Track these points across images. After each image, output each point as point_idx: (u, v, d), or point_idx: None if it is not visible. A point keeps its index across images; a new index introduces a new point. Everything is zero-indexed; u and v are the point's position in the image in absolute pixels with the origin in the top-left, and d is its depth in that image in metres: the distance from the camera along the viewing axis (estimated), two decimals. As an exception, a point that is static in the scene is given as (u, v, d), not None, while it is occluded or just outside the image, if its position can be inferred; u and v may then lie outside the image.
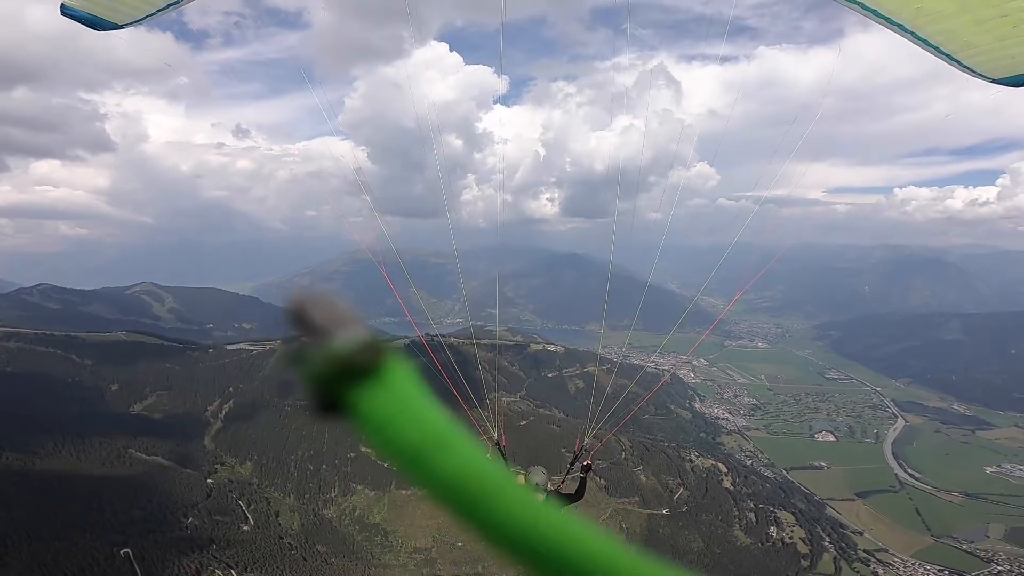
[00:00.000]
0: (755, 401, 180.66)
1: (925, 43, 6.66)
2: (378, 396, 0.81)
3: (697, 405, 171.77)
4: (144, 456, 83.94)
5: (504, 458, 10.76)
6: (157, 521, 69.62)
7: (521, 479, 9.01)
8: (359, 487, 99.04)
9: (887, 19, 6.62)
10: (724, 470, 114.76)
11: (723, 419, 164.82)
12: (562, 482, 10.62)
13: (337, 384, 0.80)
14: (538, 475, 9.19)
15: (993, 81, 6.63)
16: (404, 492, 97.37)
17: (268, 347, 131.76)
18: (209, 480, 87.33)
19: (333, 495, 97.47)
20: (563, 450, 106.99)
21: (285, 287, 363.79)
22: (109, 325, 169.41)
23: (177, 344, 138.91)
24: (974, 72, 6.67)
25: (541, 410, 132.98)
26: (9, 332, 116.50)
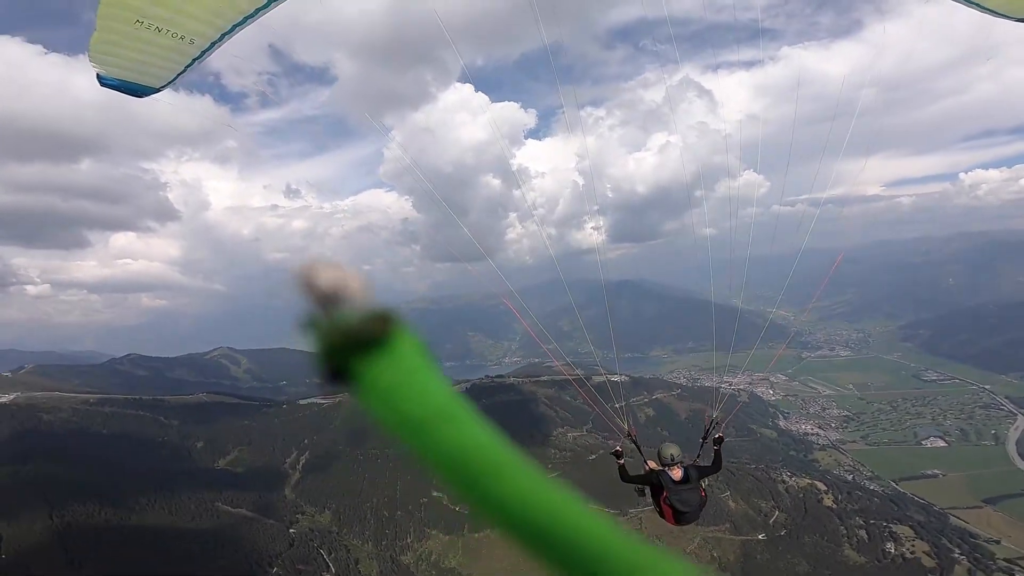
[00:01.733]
0: (846, 412, 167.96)
1: None
2: (384, 366, 0.80)
3: (781, 423, 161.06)
4: (230, 508, 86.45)
5: (638, 447, 11.38)
6: (243, 571, 70.89)
7: (652, 462, 9.89)
8: (433, 532, 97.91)
9: None
10: (823, 488, 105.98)
11: (813, 435, 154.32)
12: (698, 456, 11.06)
13: (344, 353, 0.80)
14: (672, 448, 9.67)
15: (1017, 20, 6.79)
16: (478, 535, 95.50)
17: (338, 399, 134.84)
18: (291, 530, 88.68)
19: (409, 541, 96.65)
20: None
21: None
22: (192, 388, 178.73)
23: (254, 402, 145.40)
24: (997, 13, 6.78)
25: (610, 442, 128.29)
26: (103, 398, 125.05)
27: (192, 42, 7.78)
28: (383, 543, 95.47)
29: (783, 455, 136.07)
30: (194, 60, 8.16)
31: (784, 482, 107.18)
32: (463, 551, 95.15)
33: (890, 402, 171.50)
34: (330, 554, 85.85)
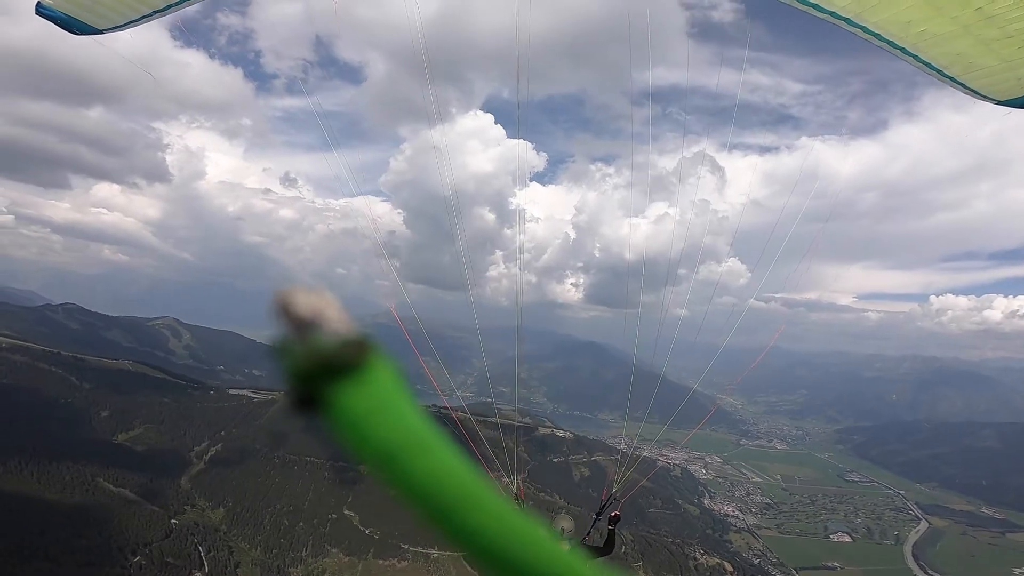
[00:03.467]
0: (768, 500, 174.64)
1: (928, 66, 6.62)
2: (358, 393, 0.78)
3: (706, 501, 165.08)
4: (111, 486, 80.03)
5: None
6: (100, 555, 64.87)
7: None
8: (333, 550, 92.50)
9: (890, 43, 6.55)
10: (730, 569, 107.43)
11: (733, 516, 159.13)
12: (587, 534, 10.33)
13: (317, 380, 0.77)
14: (565, 522, 8.90)
15: (998, 103, 6.64)
16: (381, 562, 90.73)
17: (271, 396, 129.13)
18: (173, 520, 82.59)
19: (304, 554, 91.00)
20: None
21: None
22: (122, 353, 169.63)
23: (180, 381, 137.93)
24: (979, 94, 6.66)
25: (542, 495, 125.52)
26: (18, 345, 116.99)
27: None
28: (273, 551, 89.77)
29: (700, 532, 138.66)
30: (156, 12, 7.76)
31: (695, 559, 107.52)
32: (362, 574, 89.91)
33: (811, 496, 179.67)
34: (208, 552, 79.87)
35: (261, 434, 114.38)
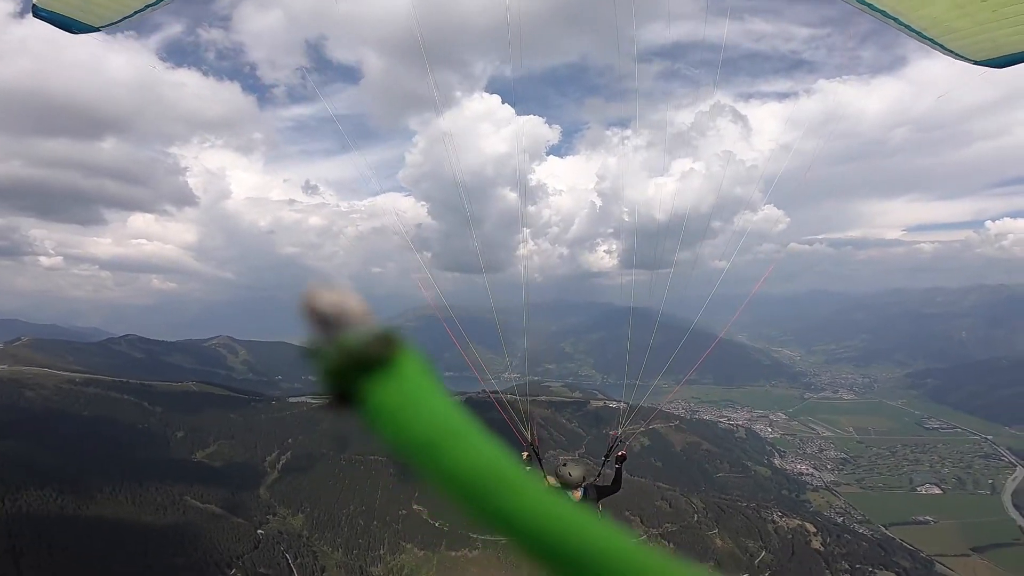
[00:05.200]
0: (844, 455, 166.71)
1: (908, 28, 6.84)
2: (389, 388, 0.80)
3: (777, 461, 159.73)
4: (198, 504, 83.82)
5: (539, 460, 10.69)
6: (199, 570, 68.08)
7: (552, 479, 8.84)
8: (408, 546, 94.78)
9: (870, 6, 6.72)
10: (812, 529, 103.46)
11: (808, 475, 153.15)
12: (598, 475, 10.44)
13: (349, 377, 0.80)
14: (574, 468, 8.85)
15: (975, 63, 6.86)
16: (455, 554, 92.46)
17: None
18: (259, 531, 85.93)
19: (382, 553, 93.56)
20: (627, 512, 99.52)
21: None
22: (185, 375, 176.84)
23: (243, 395, 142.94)
24: (957, 55, 6.88)
25: (605, 469, 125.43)
26: (90, 378, 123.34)
27: None
28: (354, 552, 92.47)
29: (775, 494, 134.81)
30: (148, 6, 7.70)
31: (774, 522, 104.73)
32: (437, 568, 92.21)
33: (889, 447, 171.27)
34: (296, 559, 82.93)
35: (325, 438, 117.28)
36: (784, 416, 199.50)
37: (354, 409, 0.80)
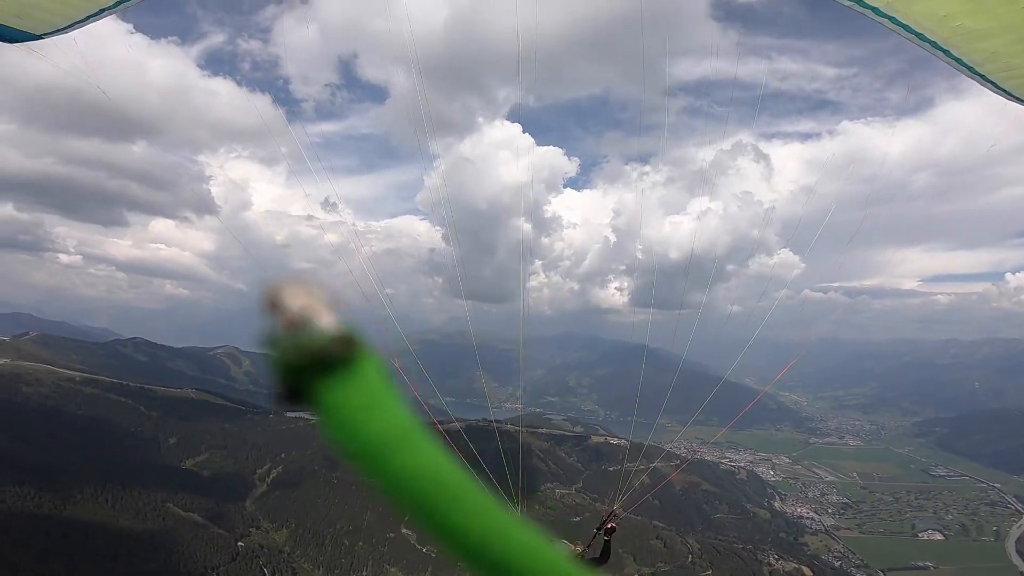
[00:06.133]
0: (845, 499, 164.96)
1: (958, 62, 6.42)
2: (345, 388, 0.79)
3: (777, 504, 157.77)
4: (180, 511, 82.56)
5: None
6: (170, 580, 66.38)
7: None
8: (392, 570, 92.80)
9: (919, 35, 6.31)
10: (809, 573, 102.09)
11: (808, 518, 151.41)
12: (588, 546, 10.74)
13: (306, 373, 0.78)
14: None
15: None
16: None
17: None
18: (239, 543, 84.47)
19: (364, 574, 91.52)
20: (621, 550, 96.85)
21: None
22: (186, 381, 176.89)
23: (241, 406, 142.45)
24: (1009, 94, 6.52)
25: (598, 504, 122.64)
26: (89, 378, 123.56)
27: None
28: (335, 572, 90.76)
29: (773, 536, 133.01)
30: (104, 10, 7.19)
31: (770, 564, 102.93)
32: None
33: (893, 493, 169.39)
34: (273, 573, 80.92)
35: (318, 455, 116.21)
36: (787, 460, 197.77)
37: (306, 405, 0.80)
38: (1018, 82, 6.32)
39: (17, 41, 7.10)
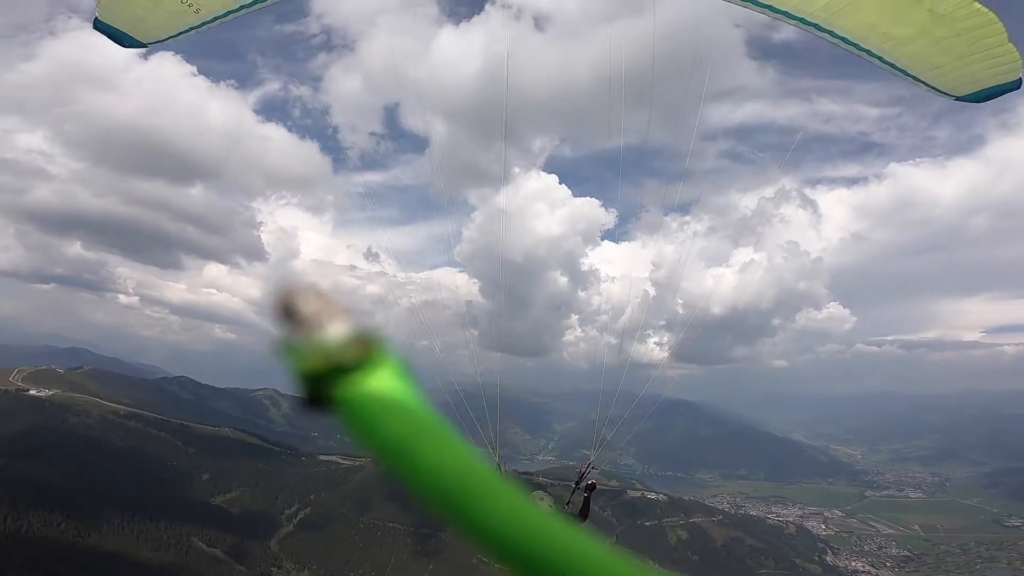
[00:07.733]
0: (907, 552, 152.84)
1: (892, 67, 6.94)
2: (365, 389, 0.80)
3: (829, 558, 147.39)
4: (204, 546, 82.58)
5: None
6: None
7: None
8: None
9: (856, 46, 6.80)
10: None
11: (864, 572, 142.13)
12: (567, 503, 10.73)
13: (325, 378, 0.79)
14: (541, 501, 9.22)
15: (956, 99, 6.99)
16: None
17: (359, 462, 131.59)
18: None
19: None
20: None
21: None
22: (225, 421, 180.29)
23: (275, 447, 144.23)
24: (939, 91, 6.98)
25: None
26: (134, 412, 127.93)
27: (197, 11, 8.06)
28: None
29: None
30: (192, 28, 8.44)
31: None
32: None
33: (960, 545, 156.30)
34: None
35: (348, 499, 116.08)
36: (840, 513, 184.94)
37: (329, 410, 0.80)
38: (942, 79, 6.75)
39: (129, 46, 8.56)
